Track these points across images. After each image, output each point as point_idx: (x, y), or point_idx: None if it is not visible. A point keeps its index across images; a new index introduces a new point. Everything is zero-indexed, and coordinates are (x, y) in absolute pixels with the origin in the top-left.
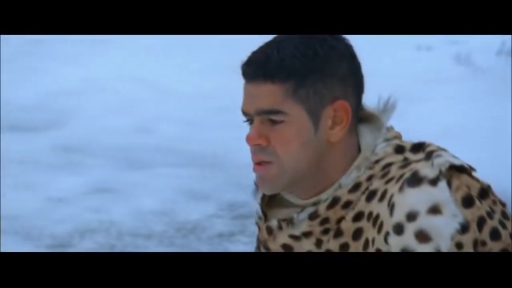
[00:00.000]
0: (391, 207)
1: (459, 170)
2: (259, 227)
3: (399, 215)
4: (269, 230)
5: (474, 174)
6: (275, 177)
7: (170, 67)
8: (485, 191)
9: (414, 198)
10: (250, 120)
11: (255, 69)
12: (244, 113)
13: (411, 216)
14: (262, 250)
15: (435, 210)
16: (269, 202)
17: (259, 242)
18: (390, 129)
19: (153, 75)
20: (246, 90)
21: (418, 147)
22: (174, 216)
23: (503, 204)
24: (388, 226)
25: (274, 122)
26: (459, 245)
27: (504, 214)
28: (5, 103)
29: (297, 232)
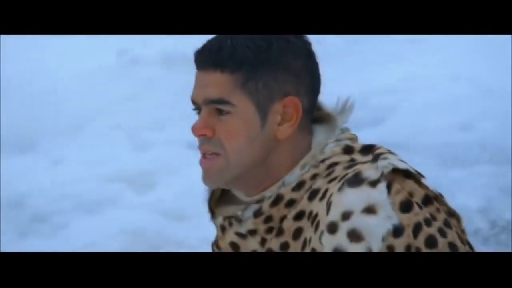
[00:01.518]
0: (328, 206)
1: (405, 175)
2: (215, 226)
3: (334, 214)
4: (222, 228)
5: (422, 180)
6: (220, 171)
7: (490, 65)
8: (429, 198)
9: (351, 198)
10: (198, 109)
11: (206, 57)
12: (193, 101)
13: (346, 215)
14: (215, 249)
15: (370, 210)
16: (219, 199)
17: (214, 241)
18: (345, 130)
19: (474, 73)
20: (197, 78)
21: (367, 149)
22: (489, 214)
23: (453, 215)
24: (323, 225)
25: (220, 113)
26: (390, 247)
27: (446, 223)
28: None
29: (243, 230)
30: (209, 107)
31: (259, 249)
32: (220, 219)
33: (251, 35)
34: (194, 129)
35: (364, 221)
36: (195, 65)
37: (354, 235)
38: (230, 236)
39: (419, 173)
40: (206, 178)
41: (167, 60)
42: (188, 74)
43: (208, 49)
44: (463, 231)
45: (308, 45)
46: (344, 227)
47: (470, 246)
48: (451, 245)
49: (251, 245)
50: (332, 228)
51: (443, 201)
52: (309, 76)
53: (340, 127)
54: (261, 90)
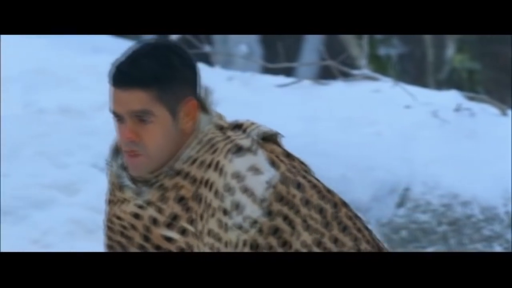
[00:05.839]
0: (221, 172)
1: (268, 139)
2: (110, 201)
3: (228, 178)
4: (123, 202)
5: (279, 141)
6: (144, 165)
7: None
8: (287, 153)
9: (239, 164)
10: (119, 119)
11: (124, 77)
12: (115, 113)
13: (238, 177)
14: (115, 220)
15: (255, 170)
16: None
17: (108, 216)
18: (217, 113)
19: None
20: (115, 94)
21: (237, 126)
22: None
23: (305, 165)
24: (219, 187)
25: (144, 122)
26: (277, 192)
27: (306, 171)
28: None
29: (141, 201)
30: (133, 117)
31: (158, 216)
32: (128, 193)
33: (151, 51)
34: (124, 136)
35: (252, 179)
36: (110, 83)
37: (246, 190)
38: (131, 208)
39: (279, 134)
40: (134, 170)
41: None
42: None
43: (122, 71)
44: (308, 172)
45: (189, 54)
46: (237, 186)
47: (318, 181)
48: (313, 185)
49: (149, 213)
50: (229, 189)
51: (292, 155)
52: (196, 79)
53: (213, 111)
54: (171, 98)
